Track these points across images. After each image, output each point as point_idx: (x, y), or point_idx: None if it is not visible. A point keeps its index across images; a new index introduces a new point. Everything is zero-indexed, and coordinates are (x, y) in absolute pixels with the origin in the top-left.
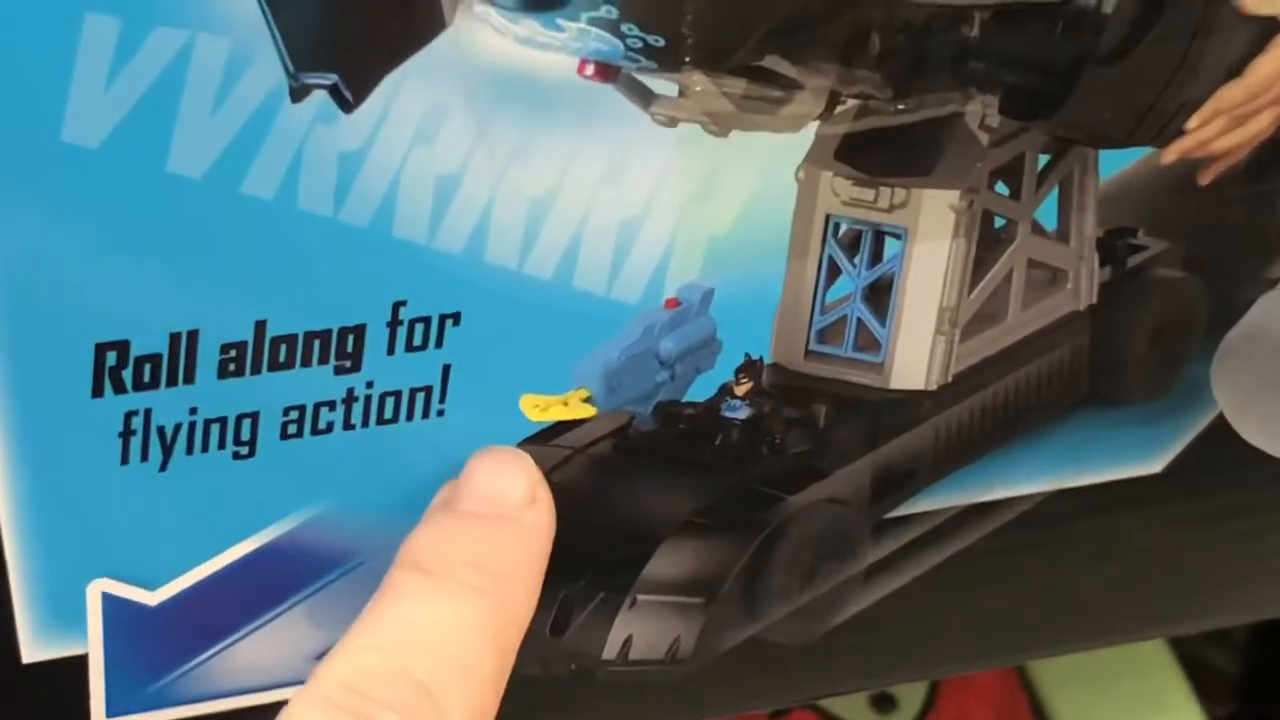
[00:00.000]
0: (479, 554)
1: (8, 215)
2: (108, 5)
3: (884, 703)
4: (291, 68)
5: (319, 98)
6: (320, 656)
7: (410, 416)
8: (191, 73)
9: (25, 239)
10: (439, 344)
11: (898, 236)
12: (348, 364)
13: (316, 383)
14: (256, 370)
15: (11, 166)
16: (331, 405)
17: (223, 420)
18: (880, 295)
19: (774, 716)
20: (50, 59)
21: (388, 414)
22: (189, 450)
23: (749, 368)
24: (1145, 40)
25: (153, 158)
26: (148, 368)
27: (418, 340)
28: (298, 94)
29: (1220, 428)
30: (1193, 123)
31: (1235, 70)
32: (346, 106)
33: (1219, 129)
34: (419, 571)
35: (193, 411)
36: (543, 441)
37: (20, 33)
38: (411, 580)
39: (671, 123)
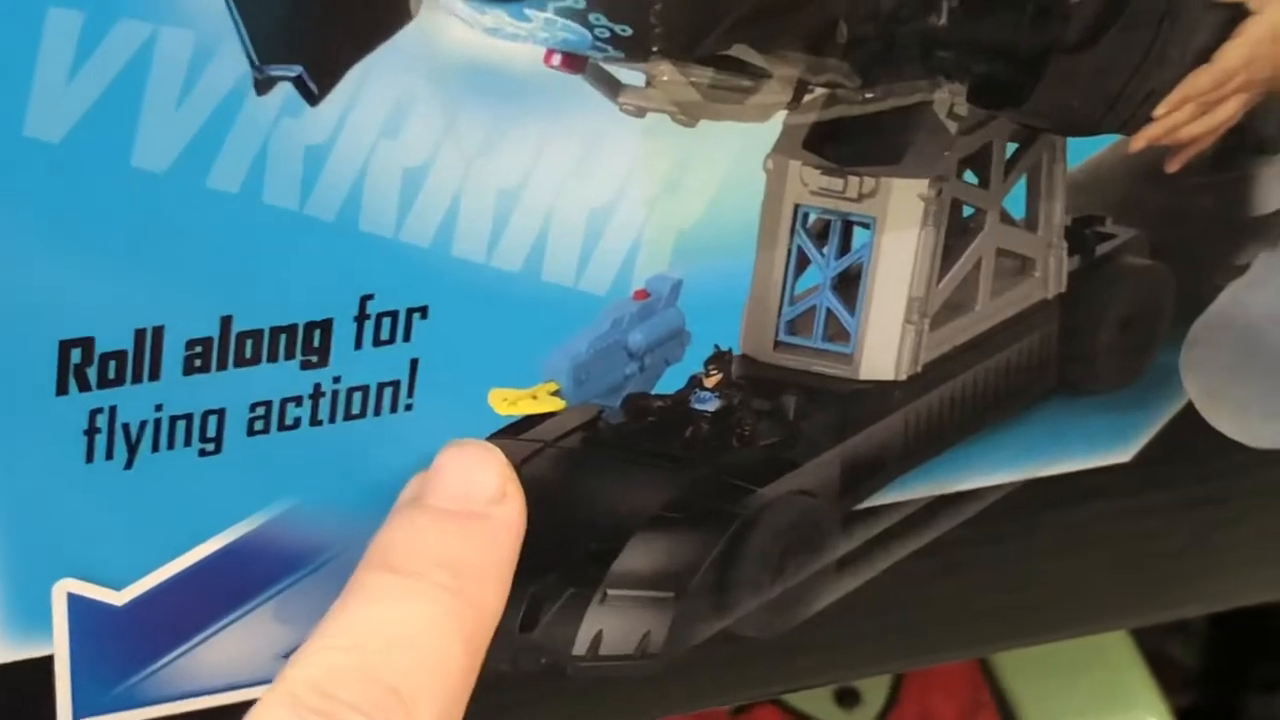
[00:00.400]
0: (449, 551)
1: None
2: None
3: (848, 697)
4: (256, 59)
5: (284, 90)
6: (289, 655)
7: (378, 411)
8: (155, 66)
9: None
10: (407, 338)
11: (866, 226)
12: (314, 359)
13: (283, 378)
14: (222, 366)
15: None
16: (298, 401)
17: (188, 417)
18: (849, 285)
19: (737, 713)
20: (12, 53)
21: (355, 409)
22: (154, 448)
23: (718, 359)
24: (1112, 28)
25: (116, 152)
26: (112, 365)
27: (385, 334)
28: (262, 86)
29: (1189, 416)
30: (1160, 110)
31: (1203, 57)
32: (312, 98)
33: (1187, 116)
34: (388, 569)
35: (158, 408)
36: (512, 435)
37: None
38: (380, 579)
39: (639, 113)
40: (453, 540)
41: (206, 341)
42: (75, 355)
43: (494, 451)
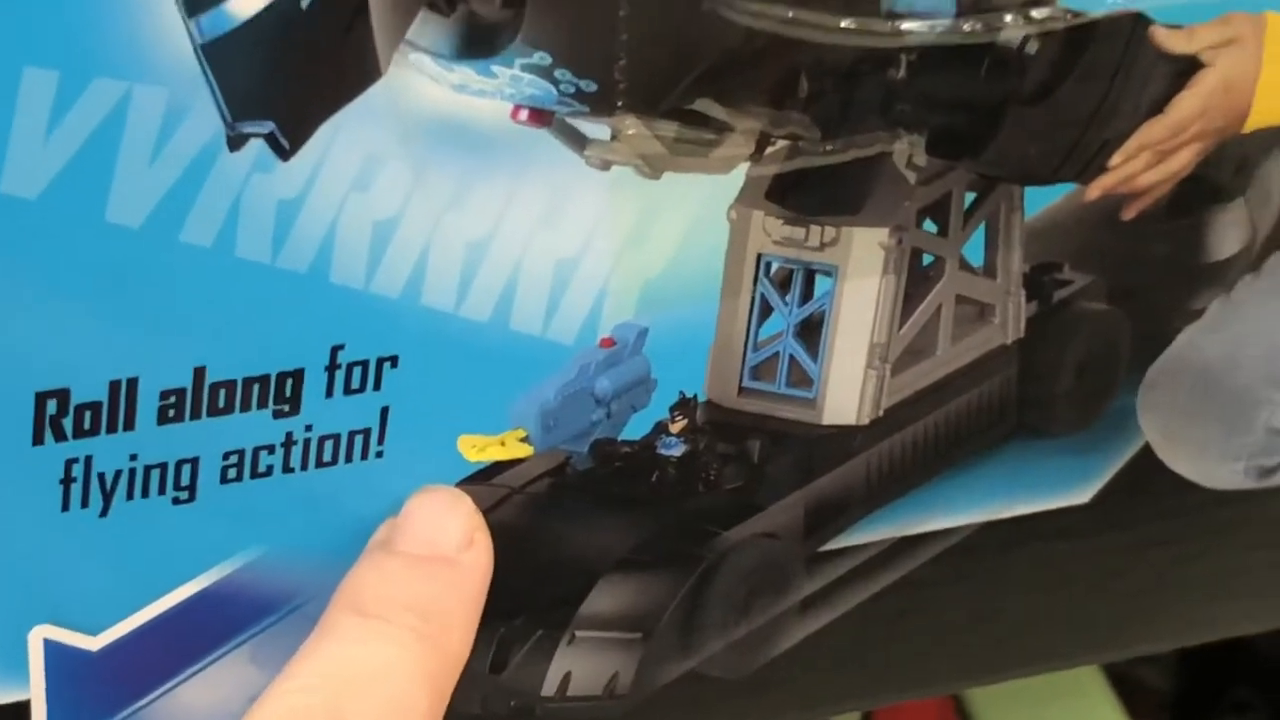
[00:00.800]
0: (416, 596)
1: None
2: (46, 58)
3: None
4: (229, 116)
5: (256, 145)
6: None
7: (349, 459)
8: (130, 123)
9: None
10: (377, 386)
11: (828, 274)
12: (286, 408)
13: (255, 427)
14: (196, 416)
15: None
16: (271, 449)
17: (163, 466)
18: (812, 332)
19: None
20: None
21: (326, 457)
22: (129, 496)
23: (683, 405)
24: (1068, 80)
25: (91, 207)
26: (88, 415)
27: (356, 383)
28: (235, 142)
29: (1147, 457)
30: (1116, 159)
31: (1157, 108)
32: (283, 154)
33: (1142, 165)
34: (356, 613)
35: (133, 458)
36: (481, 481)
37: None
38: (348, 621)
39: (605, 166)
40: (420, 585)
41: (180, 392)
42: (51, 406)
43: (462, 498)
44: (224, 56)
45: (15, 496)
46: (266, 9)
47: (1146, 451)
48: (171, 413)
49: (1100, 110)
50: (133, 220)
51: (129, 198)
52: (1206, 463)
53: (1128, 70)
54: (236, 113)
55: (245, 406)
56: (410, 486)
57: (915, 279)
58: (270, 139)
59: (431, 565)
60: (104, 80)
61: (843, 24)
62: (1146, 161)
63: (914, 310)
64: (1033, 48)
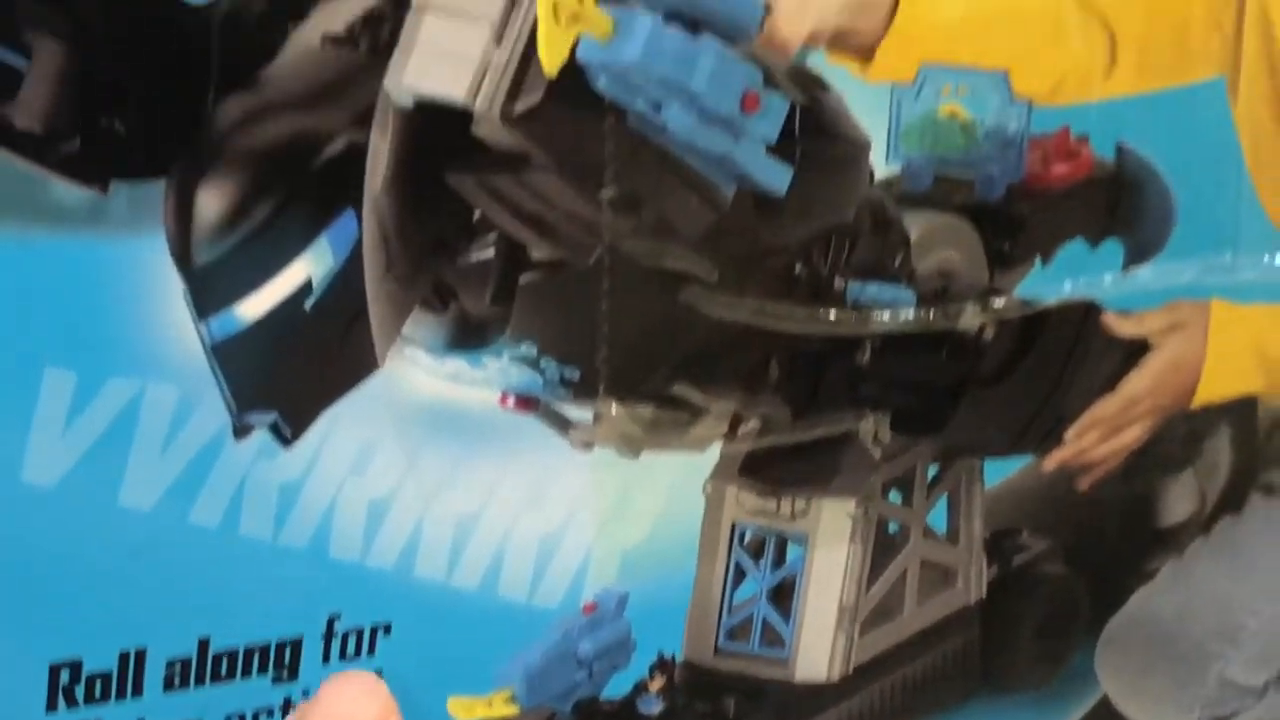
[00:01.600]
0: None
1: None
2: (65, 359)
3: None
4: (235, 408)
5: (260, 434)
6: None
7: None
8: (143, 417)
9: None
10: (371, 652)
11: (800, 542)
12: (285, 674)
13: (255, 692)
14: (200, 683)
15: None
16: (270, 712)
17: None
18: (784, 595)
19: None
20: (12, 407)
21: None
22: None
23: (662, 665)
24: (1023, 364)
25: (106, 494)
26: (99, 684)
27: (351, 650)
28: (241, 432)
29: (1106, 709)
30: (1070, 434)
31: (1109, 386)
32: (286, 441)
33: (1095, 439)
34: None
35: None
36: None
37: None
38: None
39: (588, 447)
40: None
41: (185, 661)
42: (64, 676)
43: (377, 684)
44: (232, 355)
45: None
46: (273, 311)
47: (1105, 704)
48: (177, 680)
49: (1055, 390)
50: (144, 504)
51: (141, 484)
52: (1163, 714)
53: (1081, 353)
54: (243, 405)
55: (246, 673)
56: None
57: (882, 545)
58: (274, 428)
59: None
60: (119, 379)
61: (810, 314)
62: (1099, 435)
63: (881, 574)
64: (989, 333)
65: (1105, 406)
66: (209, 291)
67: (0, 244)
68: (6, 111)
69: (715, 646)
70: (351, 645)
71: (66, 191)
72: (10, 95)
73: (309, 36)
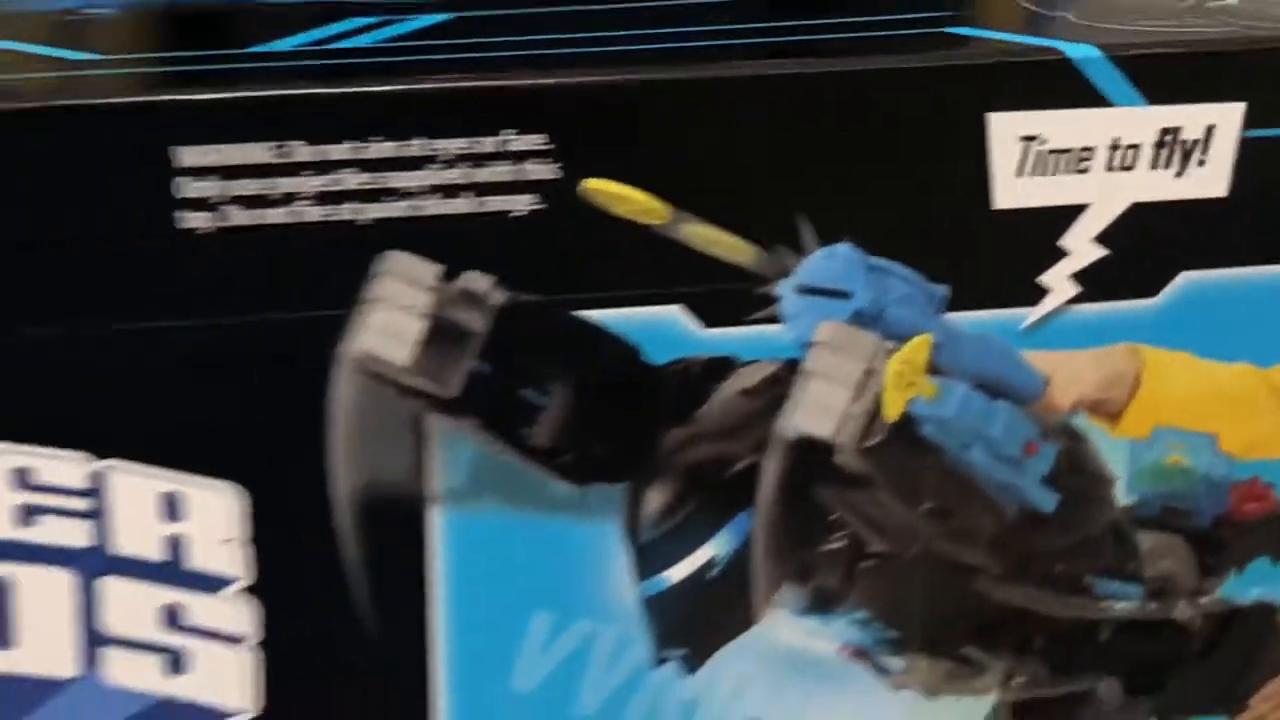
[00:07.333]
0: None
1: None
2: (547, 604)
3: None
4: (657, 645)
5: (671, 666)
6: None
7: None
8: (595, 647)
9: None
10: None
11: None
12: None
13: None
14: None
15: None
16: None
17: None
18: None
19: None
20: (509, 636)
21: None
22: None
23: None
24: (1222, 646)
25: (566, 700)
26: None
27: None
28: (659, 662)
29: None
30: (1255, 700)
31: None
32: (690, 671)
33: (1273, 706)
34: None
35: None
36: None
37: None
38: None
39: (901, 689)
40: None
41: None
42: None
43: None
44: (658, 607)
45: None
46: (688, 578)
47: None
48: None
49: (1245, 667)
50: (590, 709)
51: (590, 694)
52: None
53: (1265, 640)
54: (661, 644)
55: None
56: None
57: None
58: (682, 660)
59: None
60: (581, 620)
61: (1067, 602)
62: (1275, 704)
63: None
64: (1197, 623)
65: None
66: (646, 562)
67: (514, 522)
68: (529, 433)
69: None
70: None
71: (558, 488)
72: (532, 422)
73: (730, 388)
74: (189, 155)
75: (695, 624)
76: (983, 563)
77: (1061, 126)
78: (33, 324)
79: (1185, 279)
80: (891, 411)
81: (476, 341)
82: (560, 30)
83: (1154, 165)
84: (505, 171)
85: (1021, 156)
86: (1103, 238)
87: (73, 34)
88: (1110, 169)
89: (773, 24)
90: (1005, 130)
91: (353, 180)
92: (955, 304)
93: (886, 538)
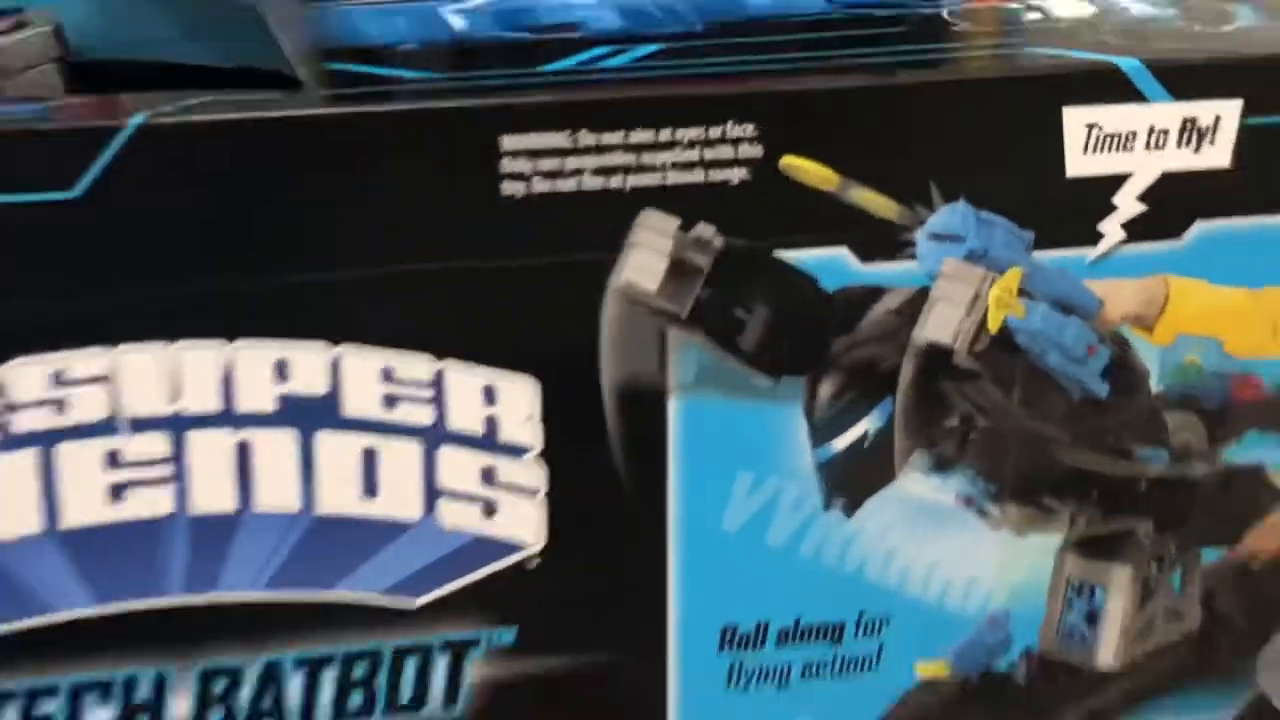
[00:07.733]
0: None
1: None
2: (747, 466)
3: None
4: (827, 499)
5: (837, 508)
6: None
7: None
8: (781, 499)
9: None
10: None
11: (1105, 589)
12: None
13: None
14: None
15: None
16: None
17: None
18: (1093, 618)
19: None
20: (720, 489)
21: None
22: None
23: (1028, 653)
24: (1230, 488)
25: (761, 533)
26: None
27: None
28: (828, 509)
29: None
30: (1268, 522)
31: None
32: (848, 515)
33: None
34: None
35: None
36: None
37: None
38: None
39: (998, 528)
40: None
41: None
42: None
43: None
44: (827, 468)
45: None
46: (849, 447)
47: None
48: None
49: (1243, 507)
50: (779, 540)
51: (777, 535)
52: None
53: (1257, 491)
54: (829, 495)
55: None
56: None
57: (1145, 593)
58: (843, 507)
59: None
60: (772, 478)
61: (1116, 463)
62: None
63: (1145, 608)
64: (1207, 479)
65: None
66: (818, 433)
67: (727, 406)
68: (739, 340)
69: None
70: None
71: (759, 380)
72: (741, 333)
73: (881, 308)
74: (509, 142)
75: (853, 480)
76: (1056, 434)
77: (1114, 117)
78: (393, 264)
79: (1200, 226)
80: (993, 325)
81: (703, 275)
82: (741, 54)
83: (1179, 145)
84: (726, 151)
85: (1086, 139)
86: (1142, 197)
87: (405, 60)
88: (1148, 148)
89: (914, 46)
90: (1075, 120)
91: (620, 159)
92: (1039, 244)
93: (989, 416)
